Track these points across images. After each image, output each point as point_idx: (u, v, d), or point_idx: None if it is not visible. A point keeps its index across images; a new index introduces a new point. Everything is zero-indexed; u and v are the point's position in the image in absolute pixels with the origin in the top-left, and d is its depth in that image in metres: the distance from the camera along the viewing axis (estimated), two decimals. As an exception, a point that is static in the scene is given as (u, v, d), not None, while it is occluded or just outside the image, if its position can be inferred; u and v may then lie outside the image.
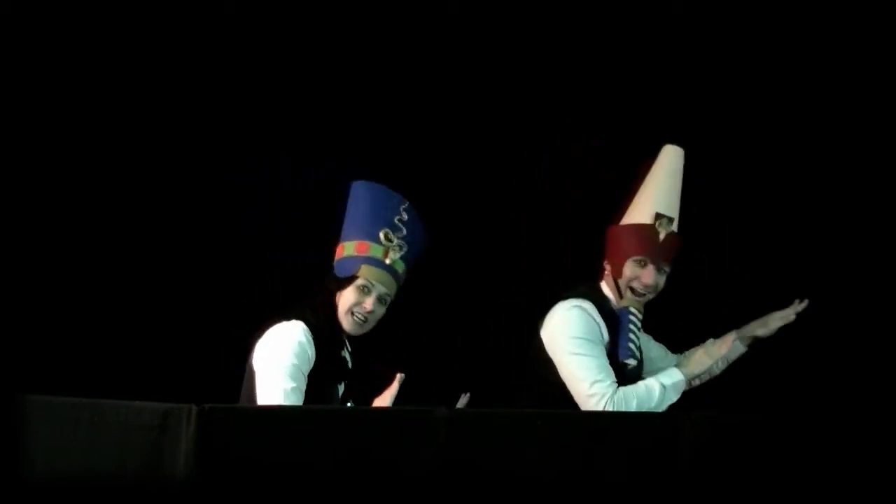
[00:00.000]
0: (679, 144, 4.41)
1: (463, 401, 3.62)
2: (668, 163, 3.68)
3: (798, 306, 3.68)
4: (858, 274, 4.38)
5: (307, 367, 3.34)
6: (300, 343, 3.34)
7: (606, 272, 3.64)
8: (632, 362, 3.52)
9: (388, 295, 3.45)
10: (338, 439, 3.01)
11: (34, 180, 4.33)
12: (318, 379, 3.36)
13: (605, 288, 3.64)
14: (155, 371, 3.64)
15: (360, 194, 3.52)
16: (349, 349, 3.52)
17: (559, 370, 3.52)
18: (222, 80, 4.45)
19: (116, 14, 4.37)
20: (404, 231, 3.47)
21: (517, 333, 3.67)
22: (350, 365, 3.51)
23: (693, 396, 3.66)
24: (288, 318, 3.39)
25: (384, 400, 3.32)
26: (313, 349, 3.35)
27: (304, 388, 3.31)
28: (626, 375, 3.51)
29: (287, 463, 2.99)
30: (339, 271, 3.46)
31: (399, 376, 3.29)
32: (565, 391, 3.50)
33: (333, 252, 3.50)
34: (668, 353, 3.73)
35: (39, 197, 4.33)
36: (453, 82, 4.49)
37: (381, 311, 3.45)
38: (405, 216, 3.48)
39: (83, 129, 4.39)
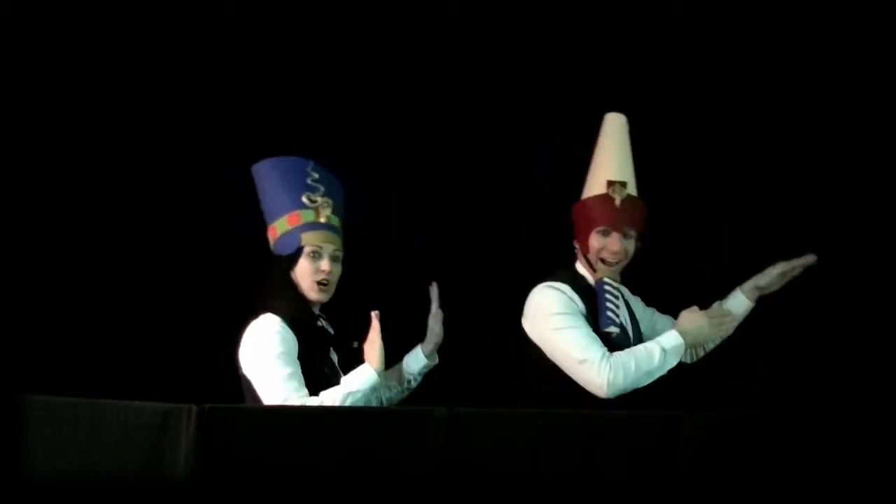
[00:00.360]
0: (680, 144, 4.44)
1: (433, 292, 3.61)
2: (612, 131, 3.71)
3: (806, 259, 3.65)
4: (859, 270, 4.38)
5: (295, 352, 3.34)
6: (278, 332, 3.35)
7: (578, 252, 3.67)
8: (614, 330, 3.52)
9: (338, 251, 3.47)
10: (338, 439, 3.02)
11: (34, 180, 4.33)
12: (309, 357, 3.37)
13: (580, 268, 3.66)
14: (155, 371, 3.65)
15: (265, 173, 3.56)
16: (325, 317, 3.53)
17: (547, 352, 3.51)
18: (223, 81, 4.45)
19: (116, 14, 4.37)
20: (322, 188, 3.50)
21: (517, 333, 3.67)
22: (332, 331, 3.52)
23: (693, 396, 3.66)
24: (256, 316, 3.40)
25: (373, 343, 3.32)
26: (291, 333, 3.35)
27: (299, 370, 3.32)
28: (612, 344, 3.50)
29: (287, 463, 2.99)
30: (283, 250, 3.47)
31: (374, 313, 3.31)
32: (559, 374, 3.49)
33: (266, 239, 3.53)
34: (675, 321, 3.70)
35: (39, 197, 4.33)
36: (453, 82, 4.49)
37: (339, 269, 3.47)
38: (315, 174, 3.52)
39: (83, 129, 4.39)
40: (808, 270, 3.74)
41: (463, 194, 4.45)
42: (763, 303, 3.75)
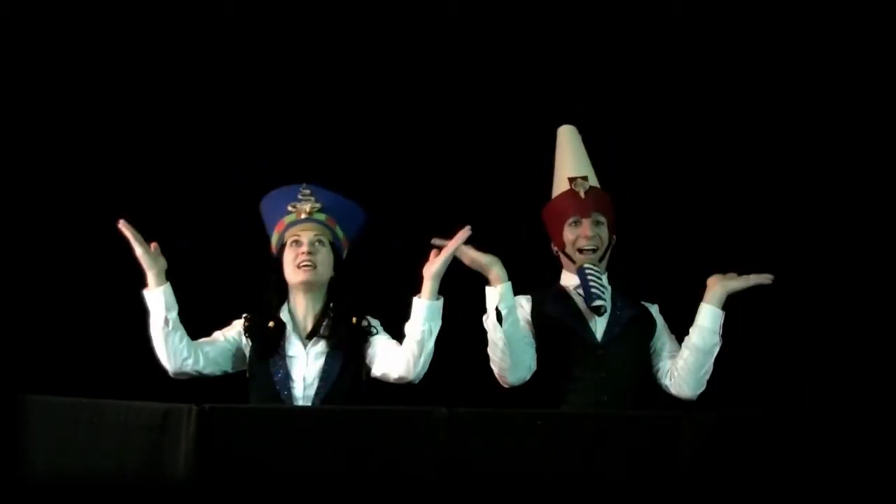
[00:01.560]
0: (680, 145, 4.45)
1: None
2: (565, 139, 3.85)
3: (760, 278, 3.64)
4: (859, 270, 4.38)
5: (232, 336, 3.57)
6: (234, 325, 3.61)
7: (558, 255, 3.75)
8: (600, 302, 3.60)
9: (321, 236, 3.55)
10: (338, 439, 3.02)
11: (34, 180, 4.33)
12: (259, 356, 3.51)
13: (565, 276, 3.74)
14: (155, 371, 3.65)
15: (264, 202, 3.68)
16: (330, 314, 3.55)
17: None
18: (223, 80, 4.45)
19: (117, 14, 4.37)
20: (312, 199, 3.60)
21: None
22: (332, 316, 3.55)
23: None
24: None
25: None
26: (243, 332, 3.56)
27: (218, 342, 3.56)
28: (599, 313, 3.62)
29: (287, 463, 2.99)
30: (276, 255, 3.61)
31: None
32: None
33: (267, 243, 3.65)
34: (673, 348, 3.71)
35: (39, 197, 4.33)
36: (454, 82, 4.49)
37: (323, 251, 3.55)
38: (307, 191, 3.61)
39: (84, 129, 4.39)
40: (807, 270, 3.75)
41: (463, 195, 4.44)
42: (762, 303, 3.75)
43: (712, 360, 3.60)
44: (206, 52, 4.44)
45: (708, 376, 3.63)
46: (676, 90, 4.49)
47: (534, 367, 3.58)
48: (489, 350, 3.54)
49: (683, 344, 3.63)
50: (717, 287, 3.61)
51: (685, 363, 3.60)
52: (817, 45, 4.43)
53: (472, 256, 3.51)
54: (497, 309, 3.48)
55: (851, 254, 4.39)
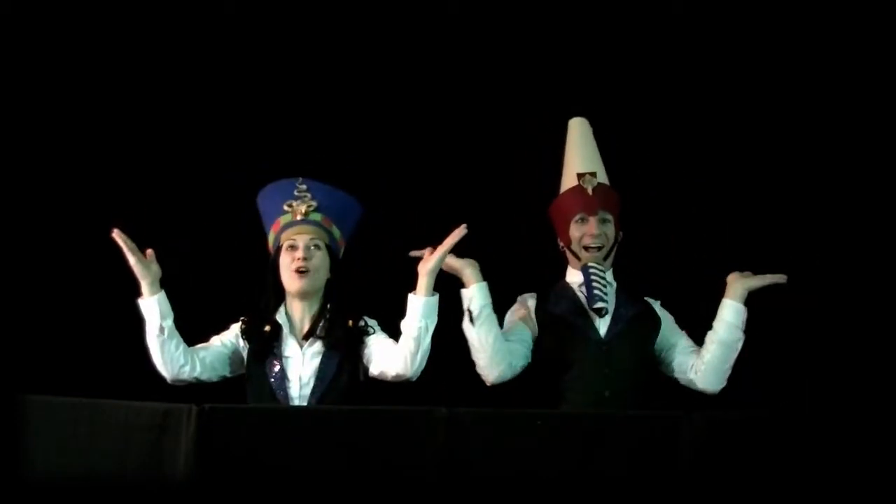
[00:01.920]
0: (680, 144, 4.44)
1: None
2: (575, 132, 3.85)
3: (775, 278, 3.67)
4: (859, 270, 4.38)
5: (229, 340, 3.58)
6: (231, 329, 3.61)
7: (564, 251, 3.76)
8: (601, 304, 3.61)
9: (317, 240, 3.55)
10: (338, 439, 3.02)
11: (34, 180, 4.33)
12: (256, 357, 3.51)
13: (570, 272, 3.74)
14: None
15: (261, 197, 3.67)
16: (327, 308, 3.55)
17: None
18: (222, 81, 4.45)
19: (117, 14, 4.37)
20: (308, 195, 3.59)
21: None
22: (328, 317, 3.54)
23: (693, 396, 3.66)
24: None
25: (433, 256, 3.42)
26: (240, 335, 3.57)
27: (215, 348, 3.56)
28: (600, 315, 3.63)
29: (287, 463, 2.99)
30: (273, 256, 3.61)
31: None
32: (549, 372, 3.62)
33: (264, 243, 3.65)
34: (689, 344, 3.72)
35: (39, 197, 4.33)
36: (454, 81, 4.49)
37: (319, 255, 3.55)
38: (303, 187, 3.61)
39: (84, 129, 4.39)
40: (807, 270, 3.75)
41: (464, 193, 4.45)
42: (762, 303, 3.75)
43: (735, 355, 3.62)
44: (205, 51, 4.44)
45: (729, 372, 3.64)
46: (677, 89, 4.49)
47: (516, 364, 3.59)
48: (470, 351, 3.57)
49: (707, 339, 3.63)
50: (738, 284, 3.62)
51: (712, 357, 3.62)
52: (818, 45, 4.43)
53: (448, 262, 3.52)
54: (469, 310, 3.50)
55: (852, 254, 4.39)
